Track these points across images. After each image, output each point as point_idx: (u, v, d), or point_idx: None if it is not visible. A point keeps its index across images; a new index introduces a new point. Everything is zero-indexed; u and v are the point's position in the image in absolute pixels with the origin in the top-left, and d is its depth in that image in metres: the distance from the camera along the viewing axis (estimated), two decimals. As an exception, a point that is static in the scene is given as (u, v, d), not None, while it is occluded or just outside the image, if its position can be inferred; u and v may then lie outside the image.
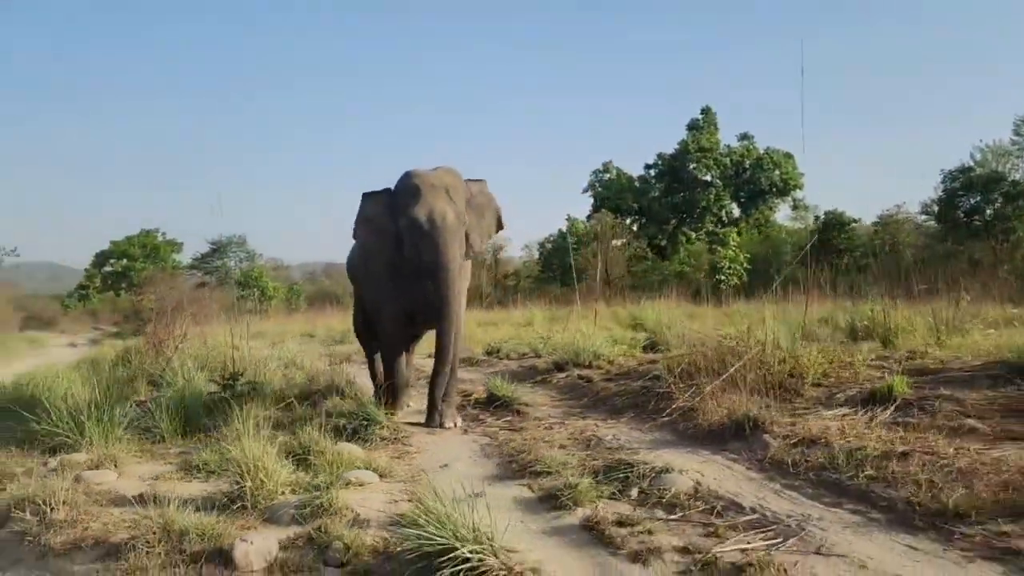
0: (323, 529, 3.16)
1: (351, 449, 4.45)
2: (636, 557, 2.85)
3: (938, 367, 5.72)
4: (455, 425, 5.55)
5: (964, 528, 2.86)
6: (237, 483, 3.67)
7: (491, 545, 2.69)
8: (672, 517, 3.28)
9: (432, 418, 5.56)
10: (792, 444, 4.05)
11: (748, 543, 2.90)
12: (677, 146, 34.68)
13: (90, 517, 3.42)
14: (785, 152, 33.72)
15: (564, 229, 34.49)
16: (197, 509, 3.43)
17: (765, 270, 20.65)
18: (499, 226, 6.16)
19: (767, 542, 2.91)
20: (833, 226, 27.02)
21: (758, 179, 33.31)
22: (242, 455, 3.74)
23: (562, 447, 4.62)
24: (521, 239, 38.27)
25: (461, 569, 2.58)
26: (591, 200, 35.94)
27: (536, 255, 36.36)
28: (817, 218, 29.44)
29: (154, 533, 3.09)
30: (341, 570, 2.91)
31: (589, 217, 34.43)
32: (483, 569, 2.59)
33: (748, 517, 3.23)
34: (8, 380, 8.19)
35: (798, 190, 33.69)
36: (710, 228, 32.79)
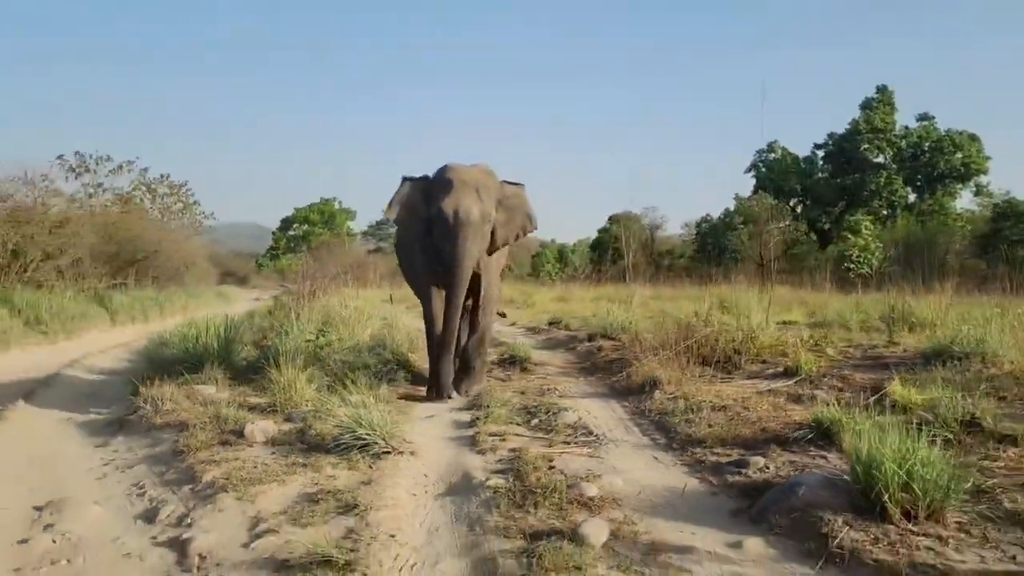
0: (309, 424, 4.93)
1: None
2: (481, 451, 4.41)
3: (879, 355, 6.66)
4: (467, 394, 6.22)
5: (696, 449, 4.19)
6: (273, 396, 5.58)
7: (383, 432, 4.35)
8: (535, 435, 4.79)
9: (430, 395, 6.21)
10: (668, 398, 5.37)
11: (554, 448, 4.38)
12: (848, 126, 33.73)
13: (181, 409, 5.44)
14: (969, 134, 31.90)
15: (731, 208, 34.80)
16: (245, 409, 5.35)
17: (922, 259, 20.26)
18: (529, 228, 6.64)
19: (571, 448, 4.38)
20: (1008, 215, 25.53)
21: (936, 162, 31.76)
22: (279, 378, 5.65)
23: (521, 392, 6.17)
24: (681, 217, 38.77)
25: (361, 443, 4.25)
26: (753, 180, 35.90)
27: (693, 234, 36.84)
28: (996, 206, 27.80)
29: (208, 419, 5.03)
30: (307, 445, 4.68)
31: (748, 198, 34.45)
32: (370, 443, 4.25)
33: (586, 437, 4.68)
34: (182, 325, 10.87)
35: (982, 175, 31.80)
36: (883, 212, 31.83)
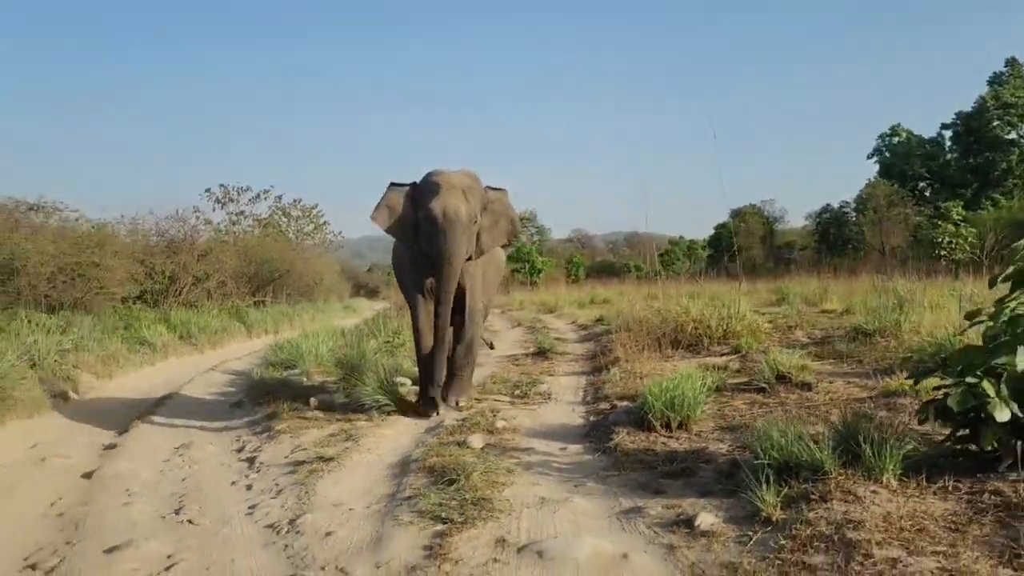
0: (354, 395, 7.21)
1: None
2: (460, 409, 6.52)
3: (826, 335, 8.27)
4: (456, 404, 6.43)
5: (602, 403, 6.16)
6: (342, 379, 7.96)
7: (392, 398, 6.57)
8: (510, 399, 6.87)
9: (422, 401, 6.48)
10: (622, 373, 7.30)
11: (513, 407, 6.45)
12: (976, 104, 33.15)
13: (276, 393, 7.88)
14: (1115, 101, 30.72)
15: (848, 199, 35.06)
16: (319, 390, 7.76)
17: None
18: (513, 234, 7.02)
19: (519, 405, 6.44)
20: None
21: (1076, 136, 30.81)
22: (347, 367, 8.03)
23: (524, 372, 8.26)
24: (805, 208, 38.87)
25: (379, 404, 6.47)
26: (876, 166, 35.85)
27: (814, 225, 37.17)
28: None
29: (289, 396, 7.46)
30: (350, 408, 6.94)
31: (878, 180, 34.47)
32: (383, 404, 6.47)
33: (542, 399, 6.73)
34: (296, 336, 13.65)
35: None
36: (1018, 192, 31.18)
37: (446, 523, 3.55)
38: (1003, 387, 3.26)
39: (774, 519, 3.21)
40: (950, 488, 3.30)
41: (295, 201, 29.62)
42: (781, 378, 5.91)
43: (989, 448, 3.37)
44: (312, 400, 7.05)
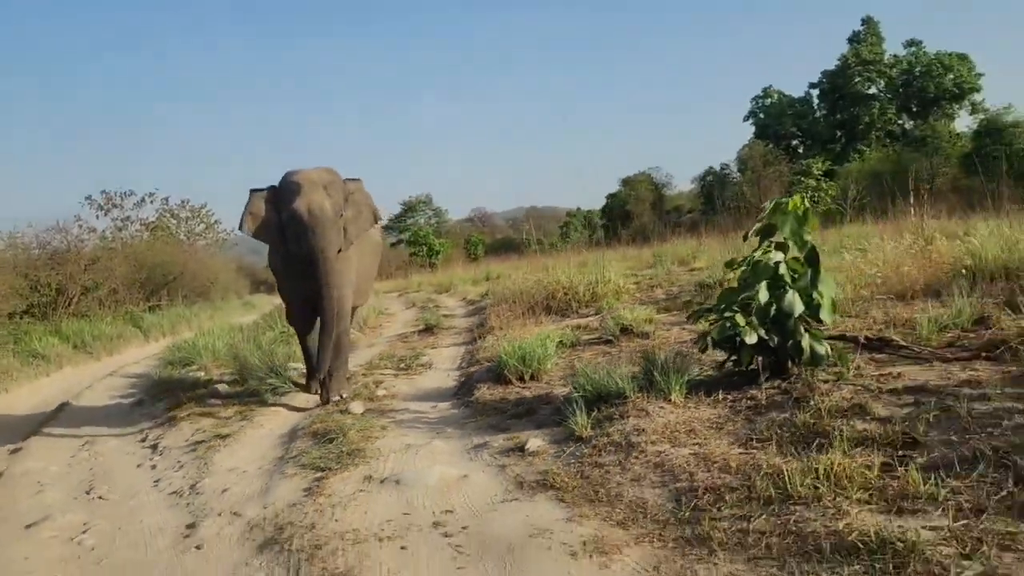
0: (250, 384, 7.81)
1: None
2: (352, 381, 7.23)
3: (671, 289, 9.30)
4: (340, 397, 6.38)
5: (473, 367, 6.97)
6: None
7: (286, 379, 7.21)
8: (394, 371, 7.60)
9: (309, 387, 6.75)
10: (494, 338, 8.12)
11: (395, 377, 7.19)
12: (838, 62, 35.39)
13: (175, 389, 8.40)
14: (958, 54, 33.31)
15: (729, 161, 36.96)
16: (214, 382, 8.30)
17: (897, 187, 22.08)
18: (375, 220, 7.05)
19: (401, 375, 7.19)
20: (990, 132, 27.08)
21: (927, 87, 33.27)
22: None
23: (411, 348, 9.00)
24: (689, 172, 40.91)
25: (273, 387, 7.11)
26: (752, 128, 37.86)
27: (699, 188, 38.99)
28: (980, 123, 29.27)
29: (187, 387, 7.99)
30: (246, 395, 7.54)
31: (750, 144, 36.45)
32: (278, 386, 7.11)
33: (423, 368, 7.50)
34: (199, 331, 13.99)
35: (975, 93, 33.21)
36: (884, 143, 33.50)
37: (324, 471, 4.29)
38: (752, 318, 4.20)
39: (584, 436, 4.07)
40: (720, 399, 4.23)
41: (183, 202, 29.36)
42: (625, 331, 6.85)
43: (749, 366, 4.31)
44: (215, 388, 7.62)
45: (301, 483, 4.16)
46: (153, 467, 5.31)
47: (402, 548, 3.08)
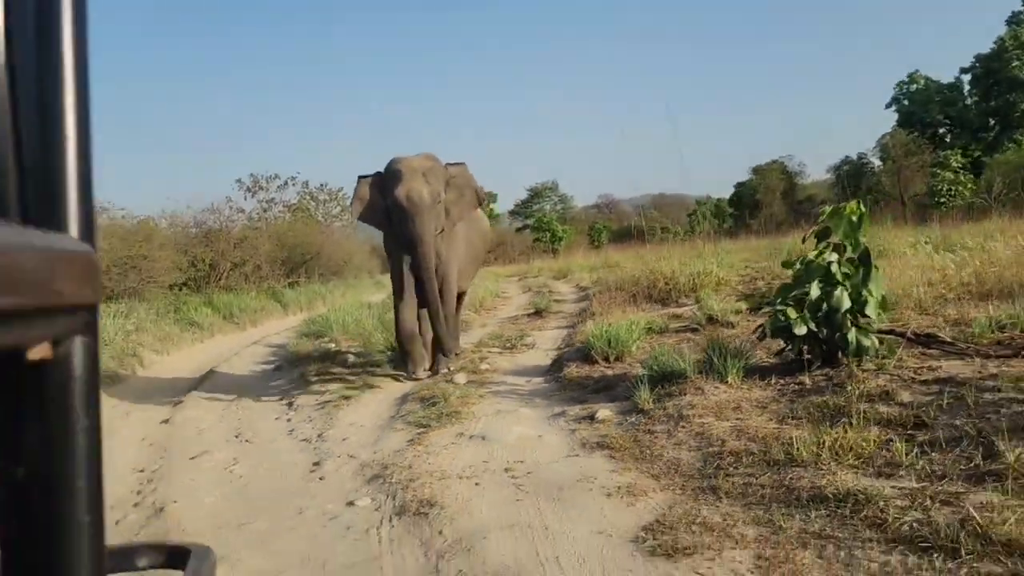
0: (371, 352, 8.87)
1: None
2: (459, 356, 8.13)
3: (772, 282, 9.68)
4: (448, 370, 7.09)
5: (567, 348, 7.69)
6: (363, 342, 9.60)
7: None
8: (500, 350, 8.44)
9: (406, 367, 7.23)
10: (595, 323, 8.82)
11: (497, 354, 8.03)
12: (994, 45, 33.58)
13: (311, 356, 9.57)
14: None
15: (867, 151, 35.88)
16: (345, 352, 9.42)
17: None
18: (479, 202, 7.61)
19: (504, 353, 8.01)
20: None
21: (1096, 72, 31.19)
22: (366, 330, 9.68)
23: (520, 329, 9.82)
24: (826, 161, 40.00)
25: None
26: (895, 115, 36.50)
27: (834, 178, 38.00)
28: None
29: (319, 356, 9.13)
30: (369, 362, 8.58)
31: (892, 132, 35.19)
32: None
33: (526, 347, 8.30)
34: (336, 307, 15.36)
35: None
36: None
37: (425, 427, 5.15)
38: (804, 312, 4.74)
39: (645, 409, 4.74)
40: (772, 383, 4.80)
41: (321, 186, 31.45)
42: (712, 320, 7.40)
43: (800, 354, 4.85)
44: (343, 358, 8.70)
45: (405, 436, 5.04)
46: (288, 420, 6.34)
47: (476, 484, 3.87)
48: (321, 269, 25.33)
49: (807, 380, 4.67)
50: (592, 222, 44.71)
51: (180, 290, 16.76)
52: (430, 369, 7.21)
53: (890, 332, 5.13)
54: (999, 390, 3.87)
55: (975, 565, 2.36)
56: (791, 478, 3.30)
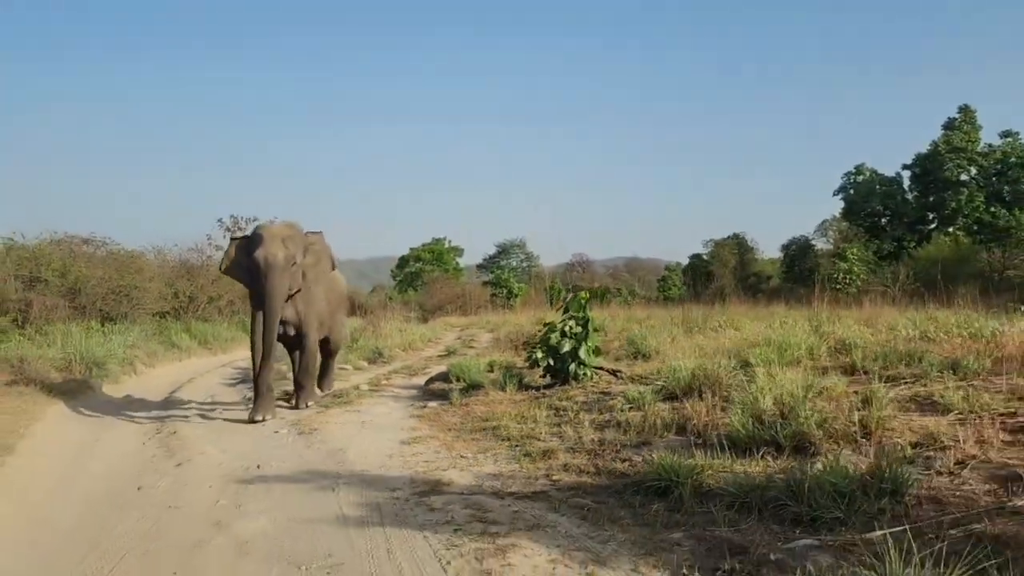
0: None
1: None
2: (307, 407, 12.08)
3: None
4: (306, 406, 9.03)
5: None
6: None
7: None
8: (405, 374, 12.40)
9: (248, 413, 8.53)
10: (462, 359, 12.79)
11: (402, 374, 12.01)
12: (930, 146, 38.26)
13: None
14: (1055, 145, 35.71)
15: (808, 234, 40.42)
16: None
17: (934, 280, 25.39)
18: (332, 266, 9.51)
19: (409, 375, 11.99)
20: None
21: (1020, 178, 35.73)
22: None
23: (426, 359, 13.80)
24: (776, 241, 44.52)
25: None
26: (841, 203, 41.08)
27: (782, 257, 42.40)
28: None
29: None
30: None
31: (827, 221, 39.83)
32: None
33: (427, 372, 12.28)
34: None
35: (1073, 186, 35.41)
36: (973, 229, 36.10)
37: (327, 408, 9.08)
38: (547, 352, 8.75)
39: (455, 403, 8.69)
40: (531, 394, 8.77)
41: (295, 228, 35.52)
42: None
43: (545, 377, 8.85)
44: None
45: (315, 411, 8.94)
46: (249, 408, 10.22)
47: (341, 426, 7.82)
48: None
49: (549, 391, 8.66)
50: (552, 282, 48.74)
51: (163, 317, 20.56)
52: (290, 403, 9.32)
53: (600, 368, 9.10)
54: (620, 395, 7.86)
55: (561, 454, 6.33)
56: (496, 428, 7.23)
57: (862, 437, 5.10)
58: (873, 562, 2.97)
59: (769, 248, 48.36)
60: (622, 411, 6.87)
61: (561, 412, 7.47)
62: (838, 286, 27.19)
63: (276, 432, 7.74)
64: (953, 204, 36.60)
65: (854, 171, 40.99)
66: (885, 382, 6.84)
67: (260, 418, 8.30)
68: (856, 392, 6.34)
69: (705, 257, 43.66)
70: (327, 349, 10.48)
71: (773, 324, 13.30)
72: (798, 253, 40.41)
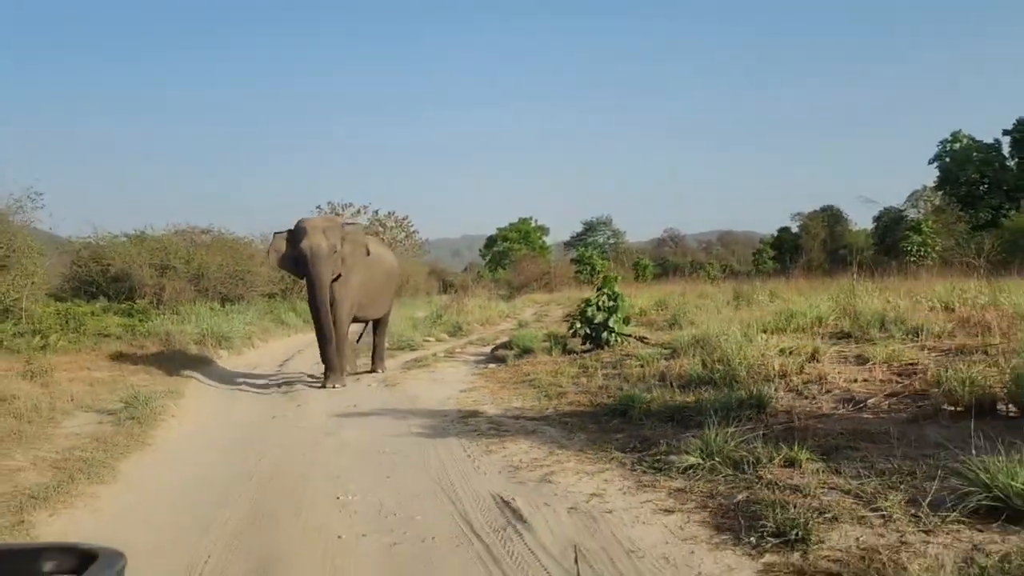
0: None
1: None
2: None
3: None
4: (344, 385, 10.19)
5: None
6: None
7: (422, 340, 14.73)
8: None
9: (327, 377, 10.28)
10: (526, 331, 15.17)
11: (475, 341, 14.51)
12: (1034, 109, 38.39)
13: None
14: None
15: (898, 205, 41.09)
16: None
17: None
18: (367, 253, 10.58)
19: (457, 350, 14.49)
20: None
21: None
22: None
23: (501, 331, 16.29)
24: (868, 212, 45.23)
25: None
26: (936, 172, 41.51)
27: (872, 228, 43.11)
28: None
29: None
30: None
31: (921, 191, 40.33)
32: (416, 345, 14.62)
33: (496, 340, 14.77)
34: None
35: None
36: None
37: (408, 370, 11.62)
38: (584, 322, 11.06)
39: (510, 364, 11.11)
40: (571, 357, 11.09)
41: (390, 214, 38.59)
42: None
43: (584, 343, 11.16)
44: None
45: (400, 373, 11.49)
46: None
47: (416, 381, 10.34)
48: (384, 287, 31.99)
49: (588, 355, 10.95)
50: (638, 258, 50.71)
51: (272, 298, 23.61)
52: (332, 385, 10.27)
53: (630, 335, 11.32)
54: (646, 358, 10.06)
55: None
56: (532, 380, 9.58)
57: (779, 378, 7.25)
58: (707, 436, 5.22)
59: (863, 220, 48.92)
60: (630, 367, 9.15)
61: (587, 369, 9.78)
62: (912, 259, 28.29)
63: (368, 385, 10.32)
64: (1055, 170, 36.79)
65: (950, 138, 41.31)
66: (856, 343, 8.90)
67: (331, 386, 9.97)
68: (815, 350, 8.41)
69: (794, 230, 44.75)
70: (377, 328, 12.13)
71: (816, 297, 15.13)
72: (890, 224, 41.10)
